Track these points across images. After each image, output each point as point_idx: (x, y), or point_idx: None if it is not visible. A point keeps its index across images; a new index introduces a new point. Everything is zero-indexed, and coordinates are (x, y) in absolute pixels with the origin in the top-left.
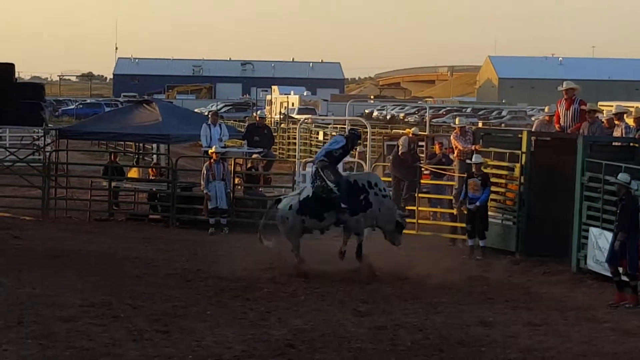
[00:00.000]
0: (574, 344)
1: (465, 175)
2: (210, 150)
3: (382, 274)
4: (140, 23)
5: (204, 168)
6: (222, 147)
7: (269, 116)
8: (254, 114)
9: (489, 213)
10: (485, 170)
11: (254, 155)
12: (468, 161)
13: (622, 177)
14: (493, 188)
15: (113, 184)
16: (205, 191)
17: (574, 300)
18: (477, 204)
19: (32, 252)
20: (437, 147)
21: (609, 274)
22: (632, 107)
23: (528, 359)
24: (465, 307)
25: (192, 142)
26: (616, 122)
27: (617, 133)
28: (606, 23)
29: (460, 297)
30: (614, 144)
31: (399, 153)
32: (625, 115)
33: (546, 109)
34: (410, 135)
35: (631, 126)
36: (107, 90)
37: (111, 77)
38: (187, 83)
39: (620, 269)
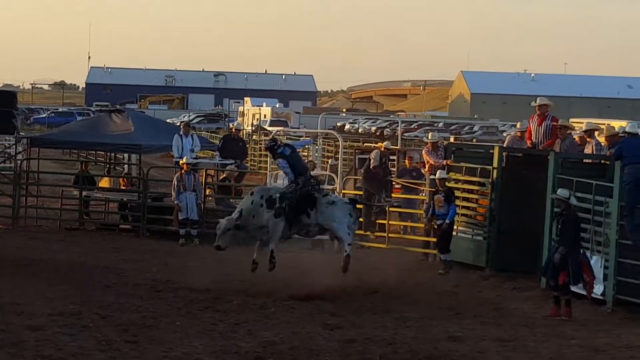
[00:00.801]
0: None
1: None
2: (181, 161)
3: (352, 288)
4: (113, 32)
5: (174, 179)
6: (193, 158)
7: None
8: (231, 125)
9: (460, 228)
10: (453, 185)
11: (228, 167)
12: (432, 177)
13: (562, 192)
14: (464, 203)
15: (84, 193)
16: (175, 202)
17: (543, 316)
18: (447, 221)
19: (1, 260)
20: (407, 162)
21: (579, 290)
22: (603, 124)
23: None
24: (435, 322)
25: (163, 152)
26: (587, 139)
27: (588, 150)
28: (578, 40)
29: (429, 311)
30: (585, 160)
31: (371, 167)
32: (596, 133)
33: (518, 125)
34: (382, 149)
35: (602, 144)
36: (79, 99)
37: (83, 86)
38: (159, 93)
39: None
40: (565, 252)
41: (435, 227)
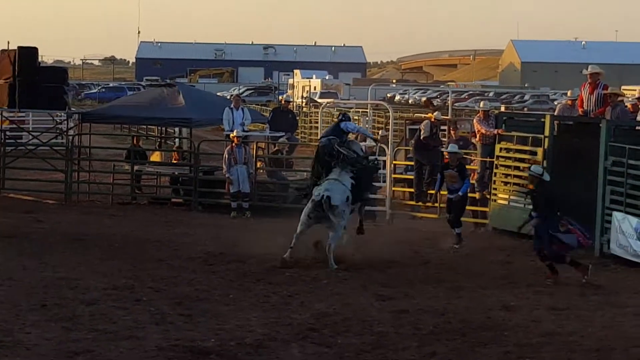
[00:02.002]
0: (596, 329)
1: (487, 159)
2: (231, 134)
3: (404, 258)
4: (162, 6)
5: (225, 152)
6: (244, 131)
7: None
8: (280, 97)
9: (512, 197)
10: (505, 154)
11: (281, 140)
12: (445, 149)
13: (535, 169)
14: (515, 172)
15: (135, 167)
16: (227, 175)
17: (597, 284)
18: (460, 194)
19: (55, 235)
20: (452, 132)
21: (633, 258)
22: None
23: (550, 344)
24: (488, 292)
25: (214, 126)
26: None
27: None
28: (629, 6)
29: (482, 281)
30: (637, 128)
31: (421, 137)
32: None
33: (569, 93)
34: (432, 119)
35: None
36: (129, 74)
37: (133, 60)
38: (209, 67)
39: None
40: (536, 224)
41: (478, 197)
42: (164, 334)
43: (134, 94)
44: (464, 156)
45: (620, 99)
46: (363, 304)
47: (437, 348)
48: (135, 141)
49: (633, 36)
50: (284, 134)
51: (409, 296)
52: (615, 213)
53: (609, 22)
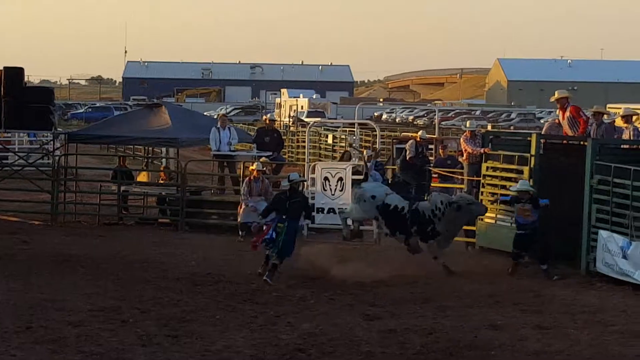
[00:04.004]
0: (583, 347)
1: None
2: (250, 167)
3: (391, 277)
4: (149, 26)
5: (245, 184)
6: (231, 151)
7: (278, 119)
8: (265, 117)
9: (499, 216)
10: (491, 173)
11: (262, 159)
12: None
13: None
14: (502, 191)
15: (122, 188)
16: (246, 204)
17: (583, 303)
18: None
19: (41, 256)
20: (441, 151)
21: (619, 276)
22: None
23: None
24: (475, 310)
25: (201, 145)
26: (624, 125)
27: (625, 136)
28: (614, 25)
29: (469, 300)
30: (623, 146)
31: (407, 158)
32: (634, 118)
33: (556, 112)
34: (418, 139)
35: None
36: (116, 93)
37: (120, 80)
38: (196, 86)
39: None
40: None
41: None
42: (150, 356)
43: (121, 114)
44: (452, 176)
45: (605, 117)
46: (350, 324)
47: None
48: (121, 161)
49: (618, 54)
50: (270, 153)
51: (396, 315)
52: (601, 231)
53: (594, 40)
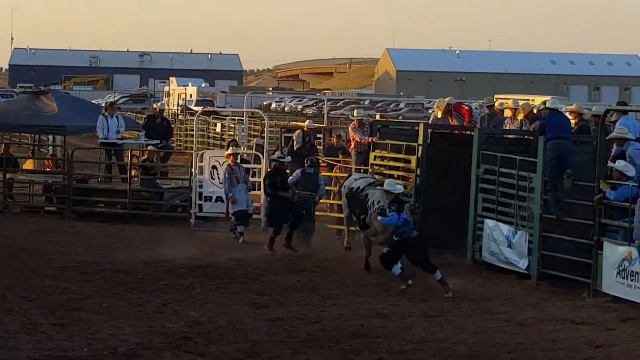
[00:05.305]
0: (468, 335)
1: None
2: (226, 153)
3: (279, 267)
4: (37, 13)
5: (225, 172)
6: (118, 139)
7: (167, 108)
8: (154, 105)
9: None
10: (379, 163)
11: (149, 147)
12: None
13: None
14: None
15: (7, 175)
16: (230, 195)
17: (469, 291)
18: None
19: None
20: (334, 139)
21: (504, 265)
22: (528, 100)
23: (423, 350)
24: (362, 299)
25: (88, 133)
26: (513, 117)
27: (512, 126)
28: (502, 17)
29: (356, 289)
30: (509, 136)
31: (294, 148)
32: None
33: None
34: (305, 129)
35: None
36: (2, 81)
37: (7, 67)
38: (84, 74)
39: None
40: None
41: None
42: (35, 344)
43: (7, 101)
44: (342, 165)
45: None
46: (237, 312)
47: (311, 355)
48: (5, 149)
49: (505, 45)
50: (158, 141)
51: (283, 304)
52: (487, 220)
53: (482, 31)
